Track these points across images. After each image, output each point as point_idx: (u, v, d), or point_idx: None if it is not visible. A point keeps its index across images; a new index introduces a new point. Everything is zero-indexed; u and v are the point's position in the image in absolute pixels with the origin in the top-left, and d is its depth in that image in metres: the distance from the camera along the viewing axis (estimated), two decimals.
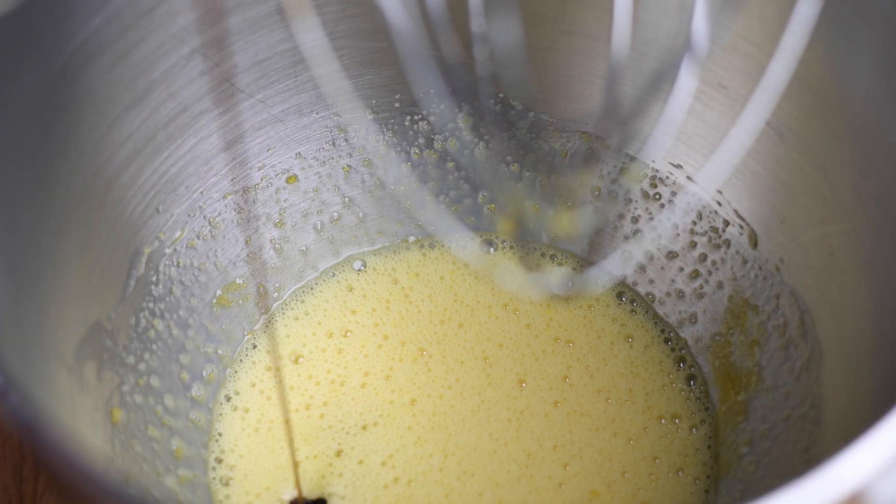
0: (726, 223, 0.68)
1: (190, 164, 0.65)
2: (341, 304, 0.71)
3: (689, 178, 0.69)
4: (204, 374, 0.67)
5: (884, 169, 0.55)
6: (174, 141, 0.63)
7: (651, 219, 0.71)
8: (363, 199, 0.73)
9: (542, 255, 0.74)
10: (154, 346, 0.63)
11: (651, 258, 0.71)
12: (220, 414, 0.67)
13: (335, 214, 0.73)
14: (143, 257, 0.63)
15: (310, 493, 0.64)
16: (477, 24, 0.48)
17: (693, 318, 0.70)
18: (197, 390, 0.66)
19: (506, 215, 0.72)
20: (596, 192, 0.71)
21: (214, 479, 0.64)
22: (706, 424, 0.67)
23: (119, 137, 0.59)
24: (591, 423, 0.67)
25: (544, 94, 0.70)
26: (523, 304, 0.71)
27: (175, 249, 0.66)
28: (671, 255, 0.70)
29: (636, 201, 0.71)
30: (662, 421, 0.67)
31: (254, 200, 0.70)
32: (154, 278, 0.64)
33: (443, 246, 0.74)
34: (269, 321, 0.71)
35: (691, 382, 0.68)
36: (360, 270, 0.73)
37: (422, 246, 0.74)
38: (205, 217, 0.67)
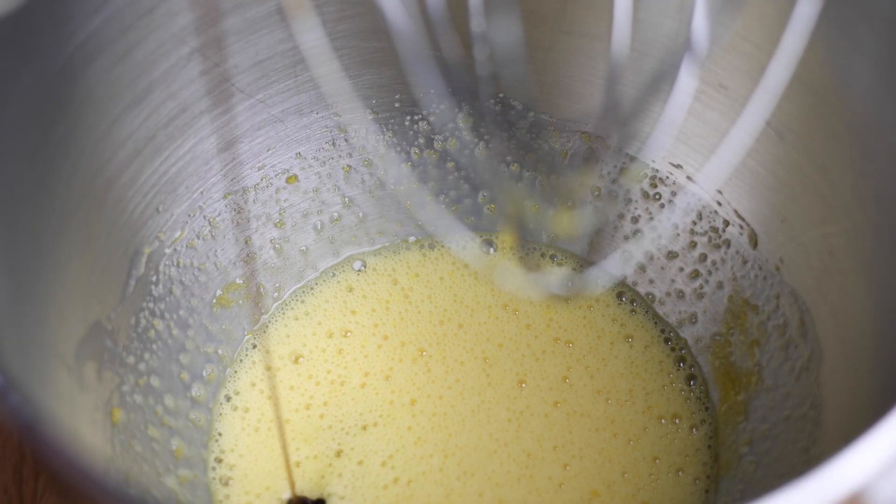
0: (726, 223, 0.68)
1: (190, 164, 0.65)
2: (341, 304, 0.71)
3: (689, 178, 0.69)
4: (204, 374, 0.67)
5: (884, 169, 0.55)
6: (174, 141, 0.63)
7: (651, 219, 0.71)
8: (363, 199, 0.73)
9: (542, 255, 0.74)
10: (154, 346, 0.63)
11: (651, 258, 0.71)
12: (220, 414, 0.67)
13: (335, 214, 0.73)
14: (143, 257, 0.63)
15: (309, 493, 0.64)
16: (477, 24, 0.48)
17: (693, 318, 0.70)
18: (197, 390, 0.66)
19: (507, 222, 0.72)
20: (596, 192, 0.71)
21: (214, 479, 0.64)
22: (706, 424, 0.67)
23: (119, 137, 0.59)
24: (591, 424, 0.67)
25: (544, 94, 0.70)
26: (523, 305, 0.71)
27: (175, 249, 0.66)
28: (671, 255, 0.70)
29: (636, 201, 0.71)
30: (662, 421, 0.67)
31: (254, 200, 0.70)
32: (154, 278, 0.64)
33: (443, 246, 0.74)
34: (269, 321, 0.71)
35: (691, 382, 0.68)
36: (360, 271, 0.73)
37: (422, 246, 0.74)
38: (205, 217, 0.67)
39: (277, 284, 0.71)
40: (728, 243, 0.68)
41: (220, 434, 0.66)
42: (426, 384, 0.68)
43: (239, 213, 0.69)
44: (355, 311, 0.71)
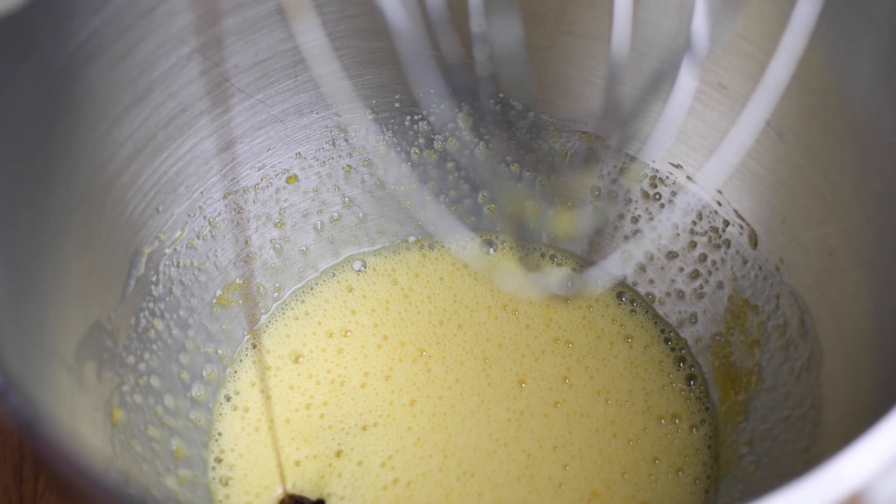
0: (726, 223, 0.68)
1: (190, 164, 0.65)
2: (341, 304, 0.71)
3: (689, 178, 0.69)
4: (204, 374, 0.67)
5: (884, 169, 0.55)
6: (174, 141, 0.63)
7: (651, 219, 0.71)
8: (363, 199, 0.73)
9: (542, 255, 0.74)
10: (154, 346, 0.63)
11: (651, 258, 0.71)
12: (220, 414, 0.67)
13: (335, 214, 0.73)
14: (143, 257, 0.63)
15: (309, 493, 0.64)
16: (477, 24, 0.48)
17: (693, 318, 0.70)
18: (197, 390, 0.66)
19: (507, 221, 0.72)
20: (596, 192, 0.71)
21: (214, 478, 0.64)
22: (706, 424, 0.67)
23: (119, 137, 0.59)
24: (590, 424, 0.67)
25: (544, 94, 0.70)
26: (523, 305, 0.71)
27: (175, 249, 0.66)
28: (671, 255, 0.70)
29: (636, 201, 0.71)
30: (662, 421, 0.67)
31: (254, 200, 0.70)
32: (154, 278, 0.64)
33: (443, 246, 0.74)
34: (269, 321, 0.71)
35: (691, 382, 0.68)
36: (360, 271, 0.73)
37: (422, 246, 0.74)
38: (205, 217, 0.67)
39: (277, 284, 0.71)
40: (728, 243, 0.68)
41: (219, 434, 0.66)
42: (426, 384, 0.68)
43: (239, 213, 0.69)
44: (355, 311, 0.71)
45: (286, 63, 0.66)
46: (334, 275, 0.73)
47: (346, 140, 0.71)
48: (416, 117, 0.71)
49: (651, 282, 0.71)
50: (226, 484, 0.64)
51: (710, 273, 0.69)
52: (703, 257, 0.69)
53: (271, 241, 0.71)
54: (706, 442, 0.66)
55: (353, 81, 0.68)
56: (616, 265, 0.71)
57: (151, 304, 0.64)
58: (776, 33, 0.48)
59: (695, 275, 0.70)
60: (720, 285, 0.68)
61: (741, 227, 0.67)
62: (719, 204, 0.68)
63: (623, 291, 0.72)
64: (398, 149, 0.72)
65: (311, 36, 0.61)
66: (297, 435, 0.66)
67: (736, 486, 0.63)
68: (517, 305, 0.71)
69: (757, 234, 0.66)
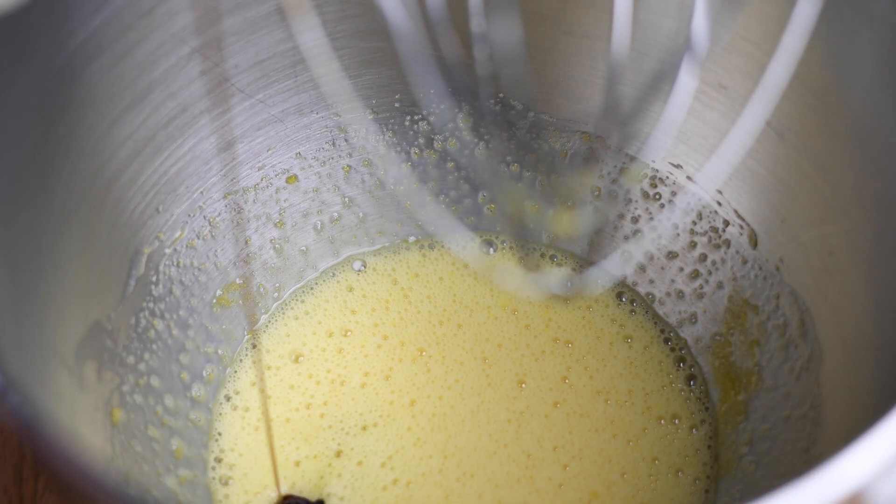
0: (726, 223, 0.68)
1: (190, 164, 0.65)
2: (341, 303, 0.71)
3: (689, 178, 0.69)
4: (204, 374, 0.67)
5: (884, 169, 0.55)
6: (174, 141, 0.63)
7: (651, 219, 0.71)
8: (363, 199, 0.73)
9: (542, 255, 0.74)
10: (154, 346, 0.63)
11: (651, 258, 0.71)
12: (220, 413, 0.67)
13: (335, 214, 0.73)
14: (143, 257, 0.63)
15: (309, 493, 0.64)
16: (477, 24, 0.48)
17: (693, 318, 0.70)
18: (197, 390, 0.66)
19: (507, 221, 0.72)
20: (596, 192, 0.71)
21: (214, 478, 0.64)
22: (706, 424, 0.67)
23: (119, 137, 0.59)
24: (590, 424, 0.67)
25: (544, 94, 0.70)
26: (522, 305, 0.71)
27: (175, 249, 0.66)
28: (671, 255, 0.70)
29: (636, 201, 0.71)
30: (662, 422, 0.67)
31: (254, 200, 0.70)
32: (154, 278, 0.64)
33: (442, 246, 0.74)
34: (269, 321, 0.71)
35: (691, 382, 0.68)
36: (360, 271, 0.73)
37: (421, 246, 0.74)
38: (205, 217, 0.67)
39: (277, 284, 0.71)
40: (728, 243, 0.68)
41: (219, 434, 0.66)
42: (426, 384, 0.68)
43: (239, 213, 0.69)
44: (355, 311, 0.71)
45: (286, 63, 0.66)
46: (334, 275, 0.73)
47: (346, 140, 0.71)
48: (416, 117, 0.71)
49: (651, 282, 0.71)
50: (225, 483, 0.64)
51: (710, 273, 0.69)
52: (703, 257, 0.69)
53: (271, 241, 0.71)
54: (706, 442, 0.66)
55: (353, 81, 0.68)
56: (616, 265, 0.71)
57: (151, 304, 0.64)
58: (776, 33, 0.48)
59: (695, 275, 0.70)
60: (720, 285, 0.68)
61: (741, 227, 0.67)
62: (719, 204, 0.68)
63: (623, 291, 0.72)
64: (398, 149, 0.72)
65: (311, 36, 0.61)
66: (297, 435, 0.66)
67: (736, 486, 0.63)
68: (517, 305, 0.71)
69: (757, 234, 0.66)
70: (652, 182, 0.70)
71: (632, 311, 0.71)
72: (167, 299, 0.65)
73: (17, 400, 0.42)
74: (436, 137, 0.72)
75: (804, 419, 0.60)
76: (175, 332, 0.65)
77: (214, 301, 0.68)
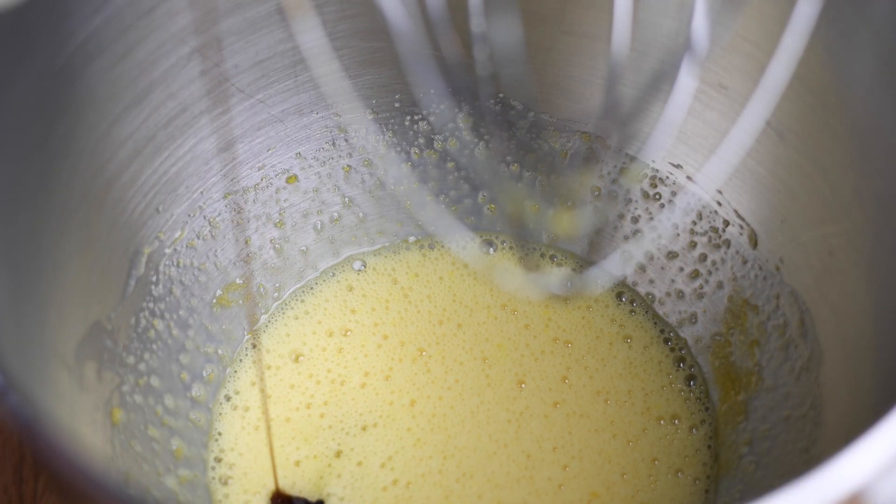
0: (726, 223, 0.68)
1: (190, 164, 0.65)
2: (341, 303, 0.71)
3: (689, 178, 0.69)
4: (204, 374, 0.67)
5: (884, 169, 0.55)
6: (174, 141, 0.63)
7: (651, 219, 0.71)
8: (363, 199, 0.73)
9: (542, 255, 0.74)
10: (154, 346, 0.63)
11: (651, 258, 0.71)
12: (220, 413, 0.67)
13: (335, 214, 0.73)
14: (143, 257, 0.63)
15: (309, 493, 0.64)
16: (477, 24, 0.48)
17: (693, 318, 0.70)
18: (197, 390, 0.66)
19: (507, 222, 0.72)
20: (596, 192, 0.71)
21: (214, 478, 0.64)
22: (706, 425, 0.67)
23: (119, 137, 0.59)
24: (590, 425, 0.67)
25: (544, 94, 0.70)
26: (522, 305, 0.71)
27: (175, 249, 0.66)
28: (671, 255, 0.70)
29: (636, 201, 0.71)
30: (662, 422, 0.67)
31: (254, 200, 0.70)
32: (154, 278, 0.64)
33: (442, 246, 0.74)
34: (269, 320, 0.71)
35: (691, 383, 0.68)
36: (360, 270, 0.73)
37: (421, 246, 0.74)
38: (205, 217, 0.67)
39: (277, 284, 0.71)
40: (728, 243, 0.68)
41: (219, 434, 0.66)
42: (426, 385, 0.68)
43: (239, 213, 0.69)
44: (355, 311, 0.71)
45: (286, 63, 0.66)
46: (334, 274, 0.73)
47: (346, 140, 0.71)
48: (416, 117, 0.71)
49: (651, 282, 0.71)
50: (225, 483, 0.64)
51: (710, 273, 0.69)
52: (703, 257, 0.69)
53: (271, 241, 0.71)
54: (706, 442, 0.66)
55: (353, 81, 0.68)
56: (616, 265, 0.71)
57: (151, 304, 0.64)
58: (776, 33, 0.48)
59: (695, 275, 0.70)
60: (720, 285, 0.68)
61: (741, 227, 0.67)
62: (719, 204, 0.68)
63: (623, 291, 0.72)
64: (398, 149, 0.72)
65: (311, 36, 0.61)
66: (297, 434, 0.66)
67: (736, 486, 0.63)
68: (516, 305, 0.71)
69: (757, 234, 0.66)
70: (652, 182, 0.70)
71: (632, 311, 0.71)
72: (167, 299, 0.65)
73: (17, 400, 0.42)
74: (436, 137, 0.72)
75: (804, 419, 0.60)
76: (175, 332, 0.65)
77: (214, 301, 0.68)
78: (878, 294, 0.56)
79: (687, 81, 0.47)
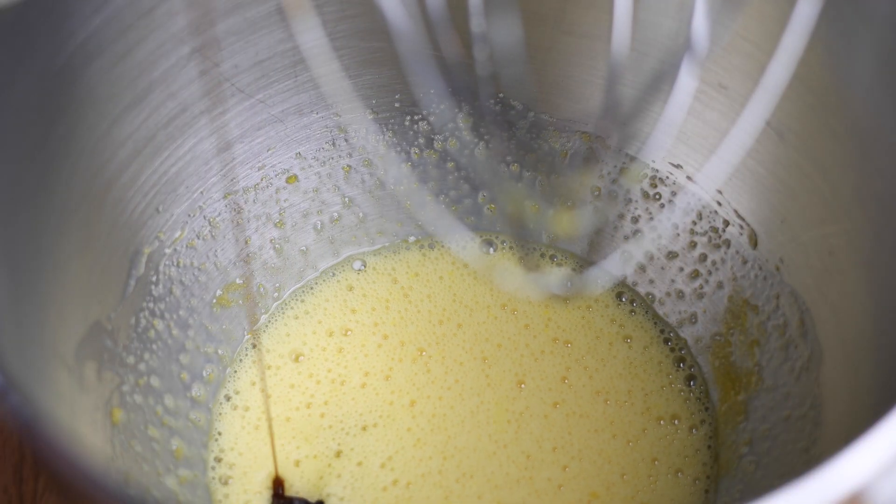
0: (726, 223, 0.68)
1: (190, 164, 0.65)
2: (341, 303, 0.71)
3: (689, 178, 0.69)
4: (204, 373, 0.67)
5: (884, 169, 0.55)
6: (174, 141, 0.63)
7: (651, 219, 0.71)
8: (363, 199, 0.73)
9: (542, 255, 0.74)
10: (154, 346, 0.63)
11: (651, 258, 0.71)
12: (220, 413, 0.67)
13: (335, 214, 0.73)
14: (143, 257, 0.63)
15: (308, 493, 0.64)
16: (477, 24, 0.48)
17: (693, 318, 0.70)
18: (197, 390, 0.66)
19: (507, 222, 0.72)
20: (596, 192, 0.71)
21: (214, 478, 0.64)
22: (706, 425, 0.67)
23: (119, 137, 0.59)
24: (590, 425, 0.67)
25: (544, 94, 0.70)
26: (521, 305, 0.71)
27: (175, 249, 0.66)
28: (671, 255, 0.70)
29: (636, 201, 0.71)
30: (662, 422, 0.67)
31: (254, 200, 0.70)
32: (154, 278, 0.64)
33: (442, 246, 0.74)
34: (269, 320, 0.71)
35: (691, 383, 0.68)
36: (360, 270, 0.73)
37: (421, 246, 0.74)
38: (205, 217, 0.67)
39: (277, 284, 0.71)
40: (728, 243, 0.68)
41: (219, 433, 0.66)
42: (426, 385, 0.68)
43: (239, 213, 0.69)
44: (355, 310, 0.71)
45: (286, 63, 0.66)
46: (334, 274, 0.73)
47: (346, 140, 0.71)
48: (416, 117, 0.71)
49: (651, 282, 0.71)
50: (225, 483, 0.64)
51: (710, 273, 0.69)
52: (703, 257, 0.69)
53: (271, 241, 0.71)
54: (706, 442, 0.66)
55: (353, 81, 0.68)
56: (616, 265, 0.71)
57: (151, 304, 0.64)
58: (776, 33, 0.48)
59: (695, 275, 0.70)
60: (720, 285, 0.68)
61: (741, 227, 0.67)
62: (719, 204, 0.68)
63: (623, 291, 0.72)
64: (398, 149, 0.72)
65: (311, 36, 0.61)
66: (297, 434, 0.66)
67: (736, 486, 0.63)
68: (516, 305, 0.71)
69: (757, 234, 0.66)
70: (652, 182, 0.70)
71: (631, 311, 0.71)
72: (167, 299, 0.65)
73: (17, 400, 0.42)
74: (436, 137, 0.72)
75: (804, 419, 0.60)
76: (175, 332, 0.65)
77: (214, 301, 0.68)
78: (878, 294, 0.56)
79: (687, 81, 0.47)
